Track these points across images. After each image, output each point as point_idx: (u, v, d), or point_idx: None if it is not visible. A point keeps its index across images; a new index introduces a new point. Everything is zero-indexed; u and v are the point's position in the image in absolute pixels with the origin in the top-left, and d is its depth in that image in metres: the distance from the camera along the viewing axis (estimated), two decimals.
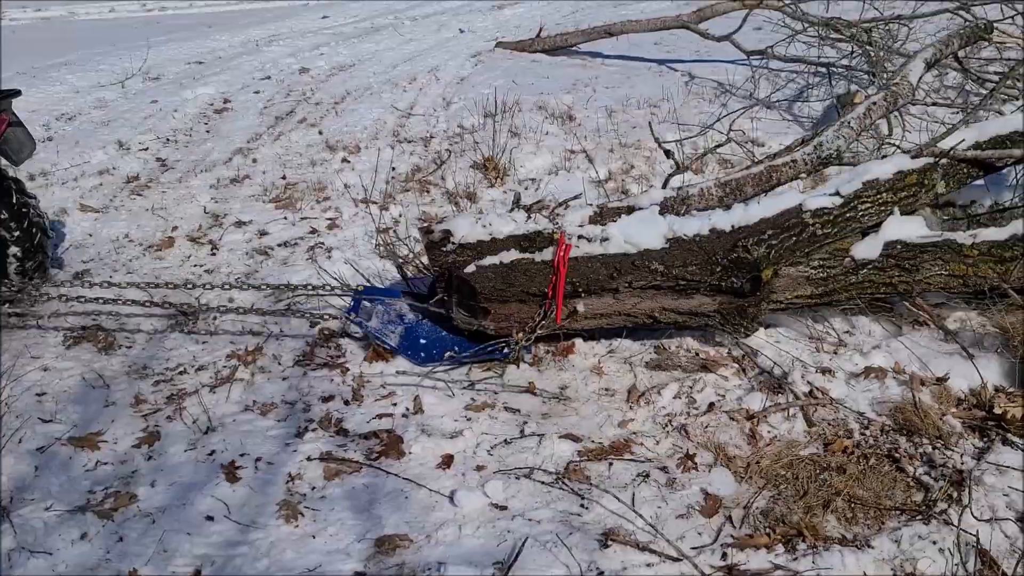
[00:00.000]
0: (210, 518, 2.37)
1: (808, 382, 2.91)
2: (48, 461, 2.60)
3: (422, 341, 3.23)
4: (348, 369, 3.10)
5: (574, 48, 8.54)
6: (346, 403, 2.93)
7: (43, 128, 6.23)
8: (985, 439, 2.62)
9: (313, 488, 2.51)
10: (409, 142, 5.88)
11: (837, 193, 3.09)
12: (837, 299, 3.10)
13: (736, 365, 3.07)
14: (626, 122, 5.98)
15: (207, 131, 6.35)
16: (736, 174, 3.49)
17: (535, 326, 3.05)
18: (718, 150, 4.54)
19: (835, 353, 3.09)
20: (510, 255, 3.03)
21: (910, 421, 2.68)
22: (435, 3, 13.28)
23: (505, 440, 2.73)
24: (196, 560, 2.23)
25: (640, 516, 2.36)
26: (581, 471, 2.57)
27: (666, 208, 3.25)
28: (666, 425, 2.80)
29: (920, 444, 2.60)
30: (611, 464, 2.60)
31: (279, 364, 3.17)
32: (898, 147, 3.85)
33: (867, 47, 6.18)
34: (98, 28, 11.25)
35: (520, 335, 3.05)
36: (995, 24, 5.35)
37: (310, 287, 3.57)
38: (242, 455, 2.64)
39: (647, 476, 2.54)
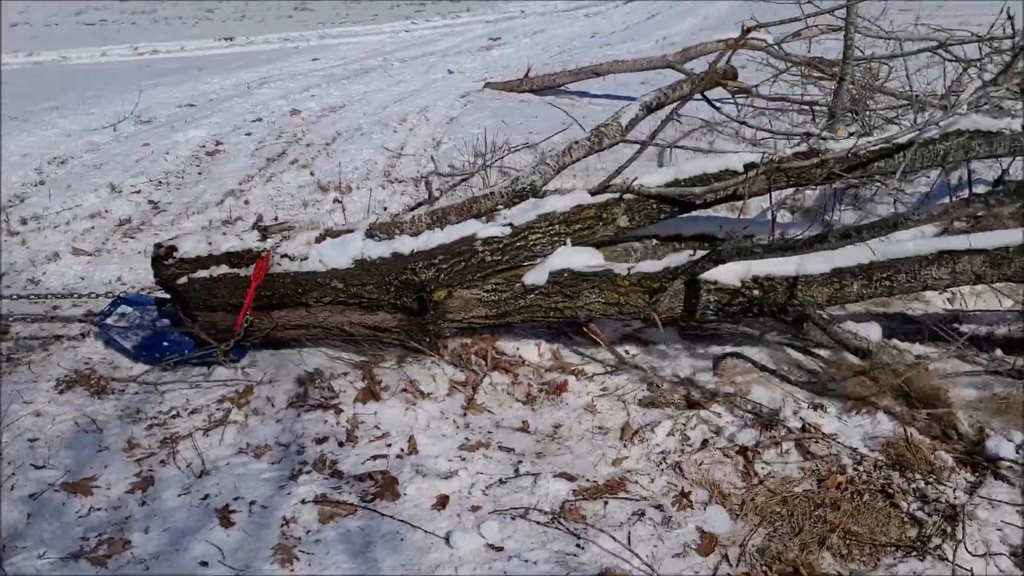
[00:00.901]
0: (204, 563, 2.36)
1: (800, 418, 2.93)
2: (41, 508, 2.58)
3: (165, 344, 3.49)
4: (342, 410, 3.10)
5: (562, 88, 8.66)
6: (340, 444, 2.92)
7: (35, 172, 6.25)
8: (977, 473, 2.64)
9: (308, 532, 2.50)
10: (400, 182, 5.92)
11: (510, 224, 3.29)
12: (512, 319, 3.30)
13: (729, 402, 3.08)
14: (615, 161, 6.04)
15: (199, 173, 6.38)
16: (444, 204, 3.73)
17: (235, 332, 3.33)
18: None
19: (826, 387, 3.11)
20: (220, 269, 3.35)
21: (902, 456, 2.70)
22: (423, 45, 13.47)
23: (500, 480, 2.73)
24: None
25: (636, 556, 2.36)
26: (576, 510, 2.57)
27: (373, 233, 3.43)
28: (660, 463, 2.81)
29: (913, 479, 2.62)
30: (606, 503, 2.60)
31: (272, 406, 3.17)
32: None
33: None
34: (90, 72, 11.33)
35: (231, 341, 3.33)
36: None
37: (75, 295, 3.91)
38: (236, 499, 2.63)
39: (642, 515, 2.54)
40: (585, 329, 3.34)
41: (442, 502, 2.63)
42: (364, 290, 3.21)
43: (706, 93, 4.73)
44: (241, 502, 2.61)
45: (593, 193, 3.47)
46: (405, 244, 3.26)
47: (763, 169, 3.42)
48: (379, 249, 3.26)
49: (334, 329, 3.36)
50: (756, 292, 3.04)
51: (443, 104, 8.32)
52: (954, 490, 2.55)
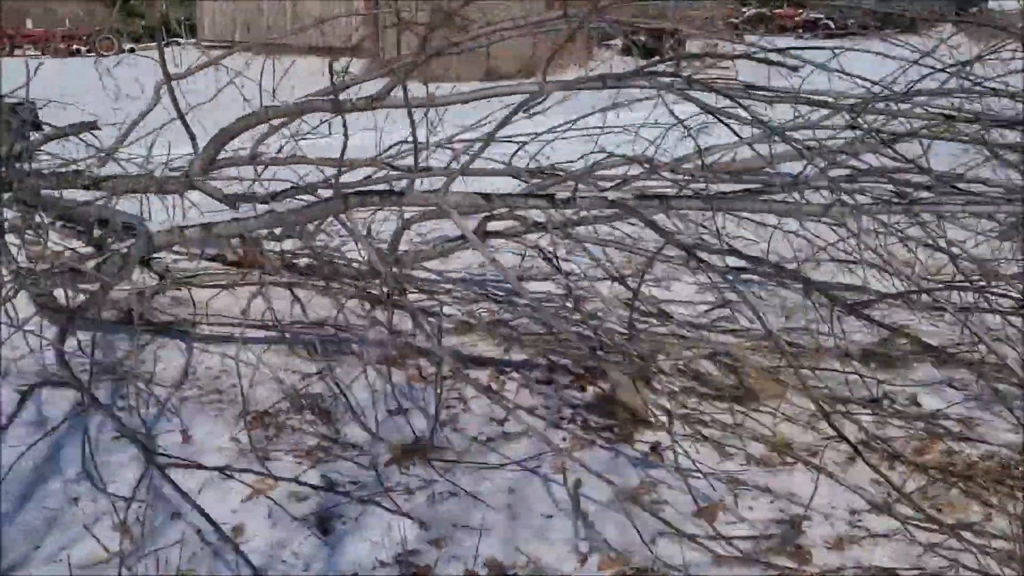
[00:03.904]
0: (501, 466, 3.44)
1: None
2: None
3: None
4: (585, 388, 4.10)
5: None
6: (587, 407, 3.93)
7: None
8: None
9: (571, 455, 3.50)
10: None
11: None
12: None
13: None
14: None
15: None
16: None
17: None
18: None
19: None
20: None
21: None
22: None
23: None
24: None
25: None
26: None
27: None
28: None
29: None
30: None
31: (532, 384, 4.20)
32: None
33: None
34: None
35: None
36: None
37: None
38: (521, 434, 3.68)
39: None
40: None
41: (654, 447, 3.57)
42: None
43: None
44: (528, 434, 3.66)
45: None
46: None
47: None
48: None
49: None
50: None
51: None
52: None
